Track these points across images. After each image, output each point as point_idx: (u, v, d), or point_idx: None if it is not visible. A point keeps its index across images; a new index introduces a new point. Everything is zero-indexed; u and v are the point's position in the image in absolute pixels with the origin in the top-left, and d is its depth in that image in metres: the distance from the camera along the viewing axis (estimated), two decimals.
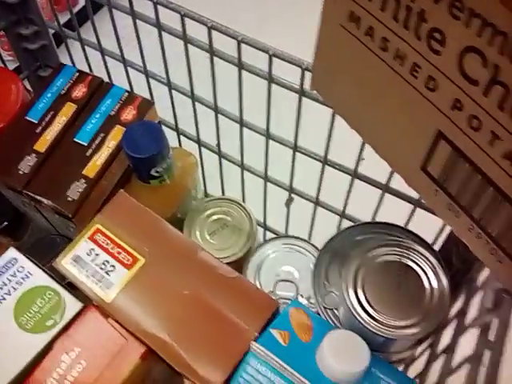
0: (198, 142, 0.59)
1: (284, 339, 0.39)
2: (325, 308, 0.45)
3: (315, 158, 0.50)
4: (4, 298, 0.43)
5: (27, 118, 0.53)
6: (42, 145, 0.52)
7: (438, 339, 0.43)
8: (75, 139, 0.52)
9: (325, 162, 0.49)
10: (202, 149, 0.60)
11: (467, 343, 0.36)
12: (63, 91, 0.55)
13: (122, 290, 0.43)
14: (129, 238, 0.44)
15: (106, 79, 0.58)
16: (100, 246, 0.44)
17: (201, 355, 0.40)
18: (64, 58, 0.64)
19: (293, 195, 0.58)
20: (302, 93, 0.45)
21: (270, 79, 0.46)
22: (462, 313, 0.39)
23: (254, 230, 0.56)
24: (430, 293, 0.40)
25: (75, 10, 1.10)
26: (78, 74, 0.56)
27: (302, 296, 0.50)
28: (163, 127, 0.58)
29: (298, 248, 0.54)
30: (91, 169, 0.50)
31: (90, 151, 0.51)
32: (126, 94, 0.54)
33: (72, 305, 0.43)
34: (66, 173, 0.50)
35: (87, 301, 0.44)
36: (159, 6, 0.48)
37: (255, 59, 0.48)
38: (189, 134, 0.60)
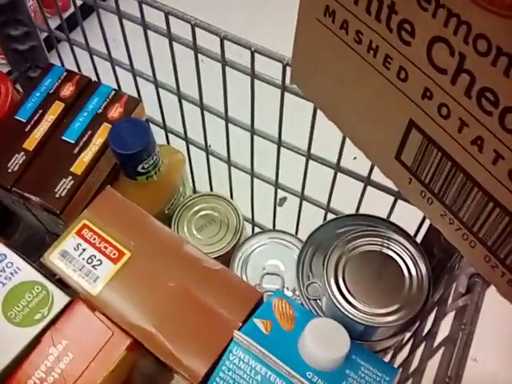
0: (186, 139, 0.60)
1: (266, 328, 0.40)
2: (308, 298, 0.45)
3: (299, 153, 0.51)
4: None
5: (16, 117, 0.54)
6: (30, 143, 0.52)
7: (422, 328, 0.44)
8: (63, 137, 0.53)
9: (308, 156, 0.50)
10: (190, 146, 0.61)
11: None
12: (51, 90, 0.56)
13: (109, 284, 0.43)
14: (115, 232, 0.45)
15: (95, 80, 0.59)
16: (87, 240, 0.45)
17: (185, 345, 0.41)
18: (55, 62, 0.65)
19: (285, 194, 0.59)
20: (283, 88, 0.45)
21: (253, 75, 0.46)
22: (443, 300, 0.39)
23: (241, 224, 0.57)
24: (410, 281, 0.40)
25: (67, 13, 1.11)
26: (66, 73, 0.57)
27: (287, 289, 0.51)
28: (151, 125, 0.59)
29: (284, 242, 0.55)
30: (79, 166, 0.51)
31: (77, 149, 0.52)
32: (113, 92, 0.55)
33: (60, 299, 0.44)
34: (54, 170, 0.51)
35: (75, 296, 0.45)
36: (144, 6, 0.49)
37: (240, 58, 0.48)
38: (176, 131, 0.61)
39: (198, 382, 0.40)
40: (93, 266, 0.44)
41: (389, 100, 0.32)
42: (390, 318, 0.40)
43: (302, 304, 0.45)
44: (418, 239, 0.48)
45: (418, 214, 0.49)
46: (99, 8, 0.53)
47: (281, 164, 0.55)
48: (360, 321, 0.39)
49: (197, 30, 0.47)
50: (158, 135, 0.56)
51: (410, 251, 0.41)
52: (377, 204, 0.53)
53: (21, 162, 0.51)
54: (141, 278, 0.43)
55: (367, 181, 0.48)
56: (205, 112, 0.55)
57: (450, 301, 0.36)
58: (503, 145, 0.26)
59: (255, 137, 0.53)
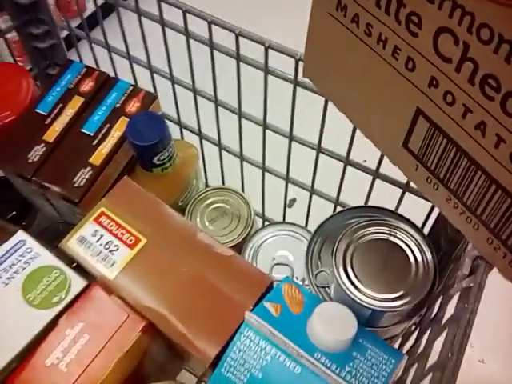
0: (200, 134, 0.62)
1: (276, 311, 0.41)
2: (317, 286, 0.47)
3: (310, 146, 0.52)
4: (13, 277, 0.45)
5: (37, 110, 0.56)
6: (50, 135, 0.54)
7: (428, 316, 0.45)
8: (82, 130, 0.55)
9: (319, 149, 0.52)
10: (204, 142, 0.63)
11: None
12: (71, 85, 0.58)
13: (125, 268, 0.45)
14: (132, 220, 0.47)
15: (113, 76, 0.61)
16: (104, 227, 0.47)
17: (198, 328, 0.42)
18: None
19: (295, 195, 0.61)
20: (296, 82, 0.47)
21: (266, 70, 0.48)
22: (448, 287, 0.41)
23: (252, 217, 0.58)
24: (416, 267, 0.42)
25: (84, 15, 1.14)
26: (85, 69, 0.59)
27: (296, 278, 0.53)
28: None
29: (293, 234, 0.57)
30: (97, 157, 0.53)
31: (96, 141, 0.54)
32: (131, 87, 0.57)
33: (77, 283, 0.45)
34: (73, 161, 0.53)
35: (92, 280, 0.46)
36: (163, 4, 0.51)
37: (252, 55, 0.50)
38: (190, 127, 0.63)
39: (210, 363, 0.41)
40: (110, 252, 0.46)
41: (397, 89, 0.34)
42: (396, 303, 0.41)
43: (310, 292, 0.46)
44: (425, 232, 0.49)
45: (425, 208, 0.51)
46: (119, 6, 0.55)
47: (292, 160, 0.57)
48: (367, 305, 0.41)
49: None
50: (173, 131, 0.58)
51: (415, 239, 0.43)
52: (385, 198, 0.54)
53: (41, 153, 0.53)
54: (156, 264, 0.45)
55: (376, 174, 0.50)
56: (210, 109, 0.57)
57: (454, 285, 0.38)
58: (505, 128, 0.28)
59: (267, 134, 0.54)
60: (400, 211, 0.52)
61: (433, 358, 0.39)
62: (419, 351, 0.41)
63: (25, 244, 0.47)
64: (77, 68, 0.59)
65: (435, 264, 0.42)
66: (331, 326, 0.40)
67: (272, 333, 0.39)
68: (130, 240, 0.46)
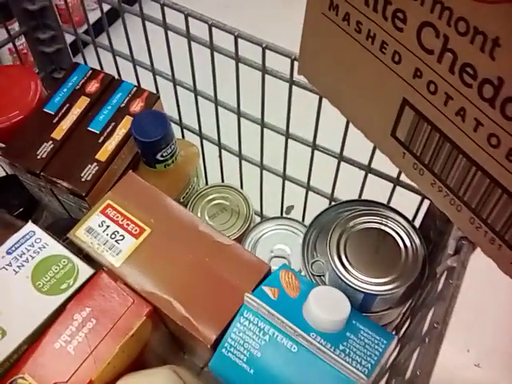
0: (200, 134, 0.64)
1: (274, 294, 0.44)
2: (313, 275, 0.49)
3: (305, 144, 0.55)
4: (23, 265, 0.48)
5: (45, 110, 0.59)
6: (58, 133, 0.57)
7: (419, 305, 0.48)
8: (89, 128, 0.57)
9: (314, 146, 0.54)
10: (204, 142, 0.66)
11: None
12: (78, 87, 0.60)
13: (130, 257, 0.47)
14: (136, 211, 0.49)
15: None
16: (111, 218, 0.49)
17: (200, 311, 0.44)
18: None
19: (292, 202, 0.63)
20: (291, 81, 0.50)
21: (264, 70, 0.51)
22: (435, 274, 0.43)
23: (251, 212, 0.61)
24: (405, 253, 0.44)
25: (83, 28, 1.18)
26: (91, 71, 0.62)
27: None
28: None
29: (290, 228, 0.59)
30: (103, 153, 0.56)
31: (102, 138, 0.57)
32: (135, 88, 0.60)
33: (84, 271, 0.48)
34: (80, 157, 0.56)
35: (99, 269, 0.49)
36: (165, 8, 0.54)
37: (251, 56, 0.53)
38: (191, 127, 0.65)
39: (212, 344, 0.43)
40: (116, 241, 0.48)
41: (385, 82, 0.36)
42: (387, 287, 0.43)
43: None
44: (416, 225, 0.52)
45: (415, 203, 0.53)
46: (124, 11, 0.58)
47: (290, 161, 0.59)
48: (360, 289, 0.43)
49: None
50: (174, 132, 0.60)
51: (405, 227, 0.45)
52: (377, 194, 0.57)
53: (49, 149, 0.56)
54: (160, 252, 0.47)
55: (368, 168, 0.53)
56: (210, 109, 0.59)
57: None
58: (482, 112, 0.30)
59: (267, 135, 0.57)
60: (391, 204, 0.55)
61: None
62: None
63: (34, 234, 0.49)
64: (83, 70, 0.62)
65: (424, 250, 0.44)
66: (326, 307, 0.42)
67: (270, 313, 0.41)
68: (135, 230, 0.48)
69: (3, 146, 0.58)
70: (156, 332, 0.49)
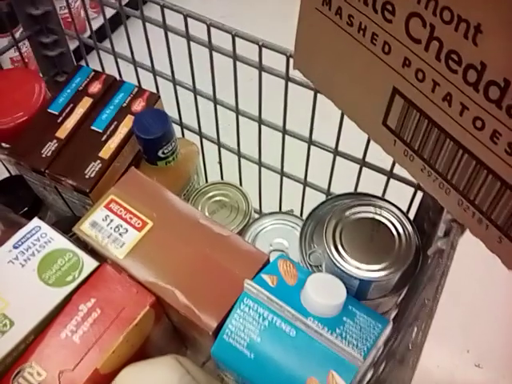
0: (200, 133, 0.66)
1: (272, 282, 0.45)
2: (310, 265, 0.51)
3: (302, 139, 0.57)
4: (29, 259, 0.49)
5: (49, 110, 0.61)
6: (62, 132, 0.59)
7: (413, 294, 0.49)
8: (92, 127, 0.59)
9: (310, 142, 0.56)
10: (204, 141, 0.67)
11: None
12: (81, 88, 0.62)
13: (133, 249, 0.49)
14: (139, 205, 0.51)
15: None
16: (114, 212, 0.50)
17: (201, 300, 0.46)
18: None
19: (292, 207, 0.65)
20: (287, 78, 0.52)
21: (260, 68, 0.53)
22: (428, 259, 0.45)
23: (250, 208, 0.62)
24: (399, 240, 0.46)
25: (86, 34, 1.20)
26: (93, 73, 0.64)
27: None
28: None
29: (289, 223, 0.61)
30: (106, 151, 0.57)
31: (104, 137, 0.58)
32: (136, 88, 0.62)
33: (89, 263, 0.49)
34: (83, 155, 0.57)
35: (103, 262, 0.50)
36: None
37: (251, 57, 0.55)
38: (191, 127, 0.67)
39: (213, 331, 0.45)
40: (119, 234, 0.49)
41: (376, 72, 0.38)
42: (381, 273, 0.45)
43: None
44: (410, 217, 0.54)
45: (408, 196, 0.55)
46: (125, 14, 0.60)
47: (288, 158, 0.61)
48: (355, 275, 0.45)
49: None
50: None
51: (397, 215, 0.47)
52: (372, 188, 0.59)
53: (53, 148, 0.58)
54: (162, 244, 0.49)
55: (362, 162, 0.54)
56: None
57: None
58: (466, 97, 0.32)
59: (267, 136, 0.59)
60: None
61: None
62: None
63: (40, 229, 0.51)
64: (85, 72, 0.63)
65: (417, 237, 0.46)
66: (323, 292, 0.43)
67: (269, 298, 0.43)
68: (138, 223, 0.50)
69: (8, 146, 0.60)
70: (159, 324, 0.50)
